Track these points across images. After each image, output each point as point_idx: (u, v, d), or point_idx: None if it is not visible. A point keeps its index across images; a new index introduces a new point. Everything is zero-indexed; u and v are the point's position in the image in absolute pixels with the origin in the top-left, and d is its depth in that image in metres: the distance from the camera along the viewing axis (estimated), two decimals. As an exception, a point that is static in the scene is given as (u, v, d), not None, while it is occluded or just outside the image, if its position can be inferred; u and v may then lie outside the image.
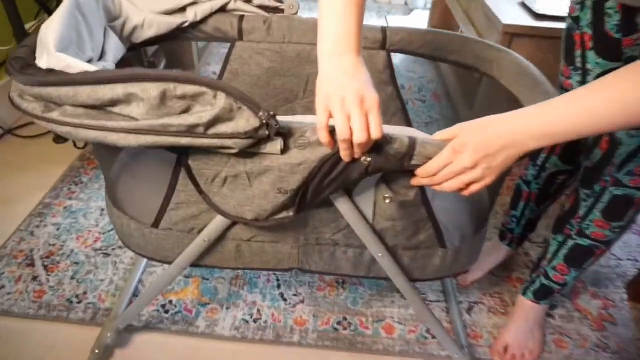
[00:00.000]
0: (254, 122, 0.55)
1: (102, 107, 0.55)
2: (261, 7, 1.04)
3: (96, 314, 1.06)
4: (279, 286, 1.15)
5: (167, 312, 1.08)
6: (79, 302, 1.08)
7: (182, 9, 0.97)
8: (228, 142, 0.55)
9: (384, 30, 1.00)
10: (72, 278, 1.14)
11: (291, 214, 0.67)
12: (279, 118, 0.58)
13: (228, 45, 1.04)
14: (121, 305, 1.07)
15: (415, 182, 0.63)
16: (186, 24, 0.97)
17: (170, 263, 0.81)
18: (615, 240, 0.93)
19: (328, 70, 0.60)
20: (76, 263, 1.18)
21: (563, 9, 1.39)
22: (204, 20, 1.00)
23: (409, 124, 1.15)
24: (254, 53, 1.03)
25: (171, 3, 0.95)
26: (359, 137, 0.53)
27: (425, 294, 1.16)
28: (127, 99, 0.54)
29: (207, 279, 1.16)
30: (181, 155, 0.65)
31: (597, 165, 0.87)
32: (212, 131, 0.55)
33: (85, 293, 1.10)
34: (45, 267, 1.16)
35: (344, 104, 0.54)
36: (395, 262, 0.78)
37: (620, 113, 0.49)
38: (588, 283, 1.22)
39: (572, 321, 1.10)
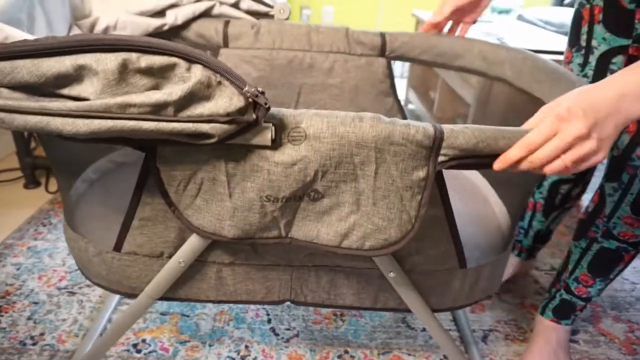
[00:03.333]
0: (238, 101, 0.43)
1: (46, 88, 0.44)
2: (249, 12, 0.96)
3: (53, 356, 0.90)
4: (269, 321, 1.00)
5: (139, 351, 0.92)
6: (33, 344, 0.92)
7: (161, 12, 0.89)
8: (204, 127, 0.44)
9: (382, 35, 0.92)
10: (29, 318, 0.98)
11: (283, 233, 0.55)
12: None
13: (212, 52, 0.94)
14: (85, 347, 0.91)
15: (504, 163, 0.49)
16: (165, 27, 0.88)
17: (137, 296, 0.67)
18: None
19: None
20: (35, 303, 1.03)
21: (530, 43, 1.50)
22: (186, 24, 0.91)
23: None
24: (241, 61, 0.93)
25: (148, 3, 0.85)
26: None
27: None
28: (77, 74, 0.42)
29: (187, 316, 1.01)
30: (148, 156, 0.53)
31: (624, 151, 0.79)
32: (184, 113, 0.44)
33: (42, 334, 0.94)
34: (-1, 308, 1.01)
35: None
36: (410, 285, 0.66)
37: None
38: (607, 307, 1.15)
39: (599, 345, 1.03)
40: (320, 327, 1.00)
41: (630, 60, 0.81)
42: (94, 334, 0.95)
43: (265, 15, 0.95)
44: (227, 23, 0.92)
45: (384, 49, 0.93)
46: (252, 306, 1.03)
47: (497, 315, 1.09)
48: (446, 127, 0.49)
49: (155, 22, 0.86)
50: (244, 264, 0.64)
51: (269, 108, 0.44)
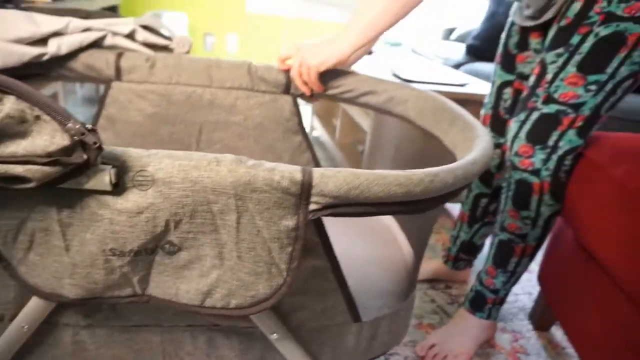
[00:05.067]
0: (61, 140, 0.37)
1: None
2: (146, 44, 0.90)
3: None
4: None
5: None
6: None
7: (43, 40, 0.81)
8: (17, 169, 0.36)
9: (287, 72, 0.89)
10: None
11: (138, 291, 0.48)
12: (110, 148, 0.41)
13: (104, 85, 0.87)
14: None
15: None
16: (45, 57, 0.80)
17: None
18: (532, 239, 0.96)
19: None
20: None
21: (422, 75, 1.65)
22: (73, 54, 0.84)
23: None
24: (134, 96, 0.87)
25: (26, 30, 0.78)
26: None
27: None
28: None
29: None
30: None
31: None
32: (-10, 152, 0.36)
33: None
34: None
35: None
36: (297, 345, 0.59)
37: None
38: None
39: (488, 357, 1.09)
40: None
41: (516, 92, 1.03)
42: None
43: (164, 48, 0.90)
44: (119, 55, 0.85)
45: (289, 86, 0.90)
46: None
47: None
48: (316, 172, 0.44)
49: (33, 51, 0.78)
50: (104, 325, 0.55)
51: (100, 147, 0.38)
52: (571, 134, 0.86)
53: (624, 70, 0.80)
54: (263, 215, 0.44)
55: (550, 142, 0.88)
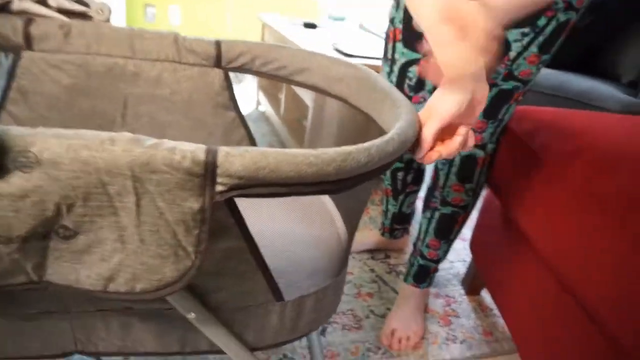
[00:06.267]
0: None
1: None
2: (60, 10, 0.83)
3: None
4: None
5: None
6: None
7: (-64, 2, 0.73)
8: None
9: (218, 44, 0.85)
10: None
11: (34, 278, 0.45)
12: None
13: (13, 54, 0.80)
14: None
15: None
16: (-60, 21, 0.73)
17: None
18: (471, 207, 1.04)
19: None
20: None
21: (364, 50, 1.66)
22: (-27, 20, 0.77)
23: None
24: (48, 66, 0.80)
25: None
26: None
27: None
28: None
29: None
30: None
31: None
32: None
33: None
34: None
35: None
36: (219, 324, 0.58)
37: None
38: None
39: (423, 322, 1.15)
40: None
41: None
42: None
43: (82, 15, 0.83)
44: (29, 21, 0.78)
45: (220, 60, 0.86)
46: None
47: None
48: (222, 151, 0.42)
49: None
50: (5, 314, 0.52)
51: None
52: (514, 106, 0.94)
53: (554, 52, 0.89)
54: (164, 197, 0.42)
55: (500, 116, 0.93)
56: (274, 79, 0.89)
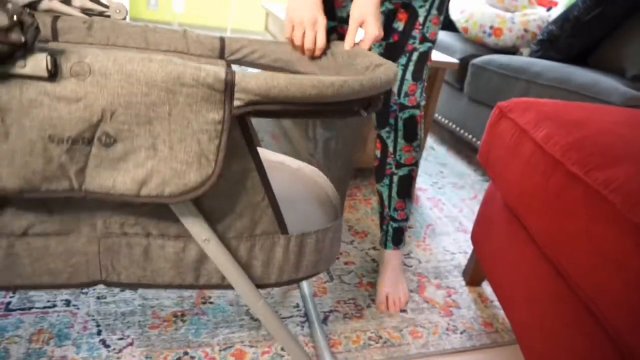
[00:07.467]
0: (0, 19, 0.42)
1: None
2: (83, 9, 0.94)
3: None
4: (99, 332, 0.91)
5: None
6: None
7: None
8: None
9: (221, 39, 0.96)
10: None
11: (75, 185, 0.52)
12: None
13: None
14: None
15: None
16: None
17: None
18: (419, 159, 1.14)
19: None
20: None
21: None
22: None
23: (258, 141, 1.09)
24: (71, 54, 0.90)
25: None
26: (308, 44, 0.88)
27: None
28: None
29: (-6, 341, 0.88)
30: None
31: (385, 101, 1.08)
32: None
33: None
34: None
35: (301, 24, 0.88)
36: (227, 252, 0.65)
37: None
38: (430, 277, 1.30)
39: (423, 312, 1.16)
40: (159, 331, 0.93)
41: (340, 36, 1.12)
42: None
43: (101, 15, 0.94)
44: (56, 18, 0.88)
45: (223, 51, 0.97)
46: (79, 319, 0.93)
47: (338, 296, 1.15)
48: (239, 73, 0.51)
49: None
50: (40, 234, 0.58)
51: (37, 28, 0.43)
52: (428, 66, 1.08)
53: None
54: (192, 108, 0.50)
55: (423, 76, 1.07)
56: (272, 70, 0.99)
